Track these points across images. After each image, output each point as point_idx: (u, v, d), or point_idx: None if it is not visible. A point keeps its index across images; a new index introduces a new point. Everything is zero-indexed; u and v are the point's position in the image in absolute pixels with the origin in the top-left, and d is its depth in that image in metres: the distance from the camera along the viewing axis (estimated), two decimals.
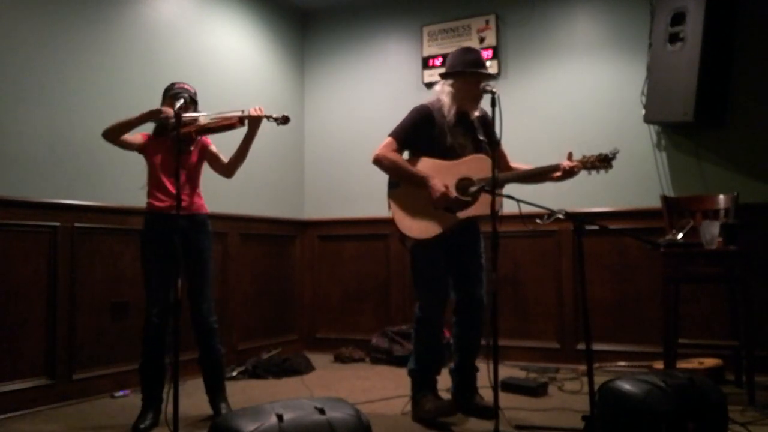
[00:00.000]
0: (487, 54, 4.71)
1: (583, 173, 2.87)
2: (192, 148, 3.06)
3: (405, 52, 5.08)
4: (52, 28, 3.44)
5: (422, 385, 3.00)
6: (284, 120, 2.99)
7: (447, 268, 3.03)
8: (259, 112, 2.97)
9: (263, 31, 5.01)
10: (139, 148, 3.03)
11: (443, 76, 3.03)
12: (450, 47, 4.85)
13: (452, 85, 2.98)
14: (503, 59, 4.70)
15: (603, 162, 2.78)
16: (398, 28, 5.13)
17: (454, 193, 2.88)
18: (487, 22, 4.75)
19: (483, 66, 2.98)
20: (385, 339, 4.59)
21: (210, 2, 4.50)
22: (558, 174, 2.88)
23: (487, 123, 3.09)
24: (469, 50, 3.03)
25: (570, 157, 2.87)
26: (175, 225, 2.81)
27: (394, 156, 2.95)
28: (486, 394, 2.99)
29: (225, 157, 3.13)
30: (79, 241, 3.47)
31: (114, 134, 2.92)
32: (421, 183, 2.89)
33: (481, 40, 4.75)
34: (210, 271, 3.10)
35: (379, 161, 2.97)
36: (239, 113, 2.97)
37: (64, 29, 3.50)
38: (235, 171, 3.13)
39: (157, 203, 3.00)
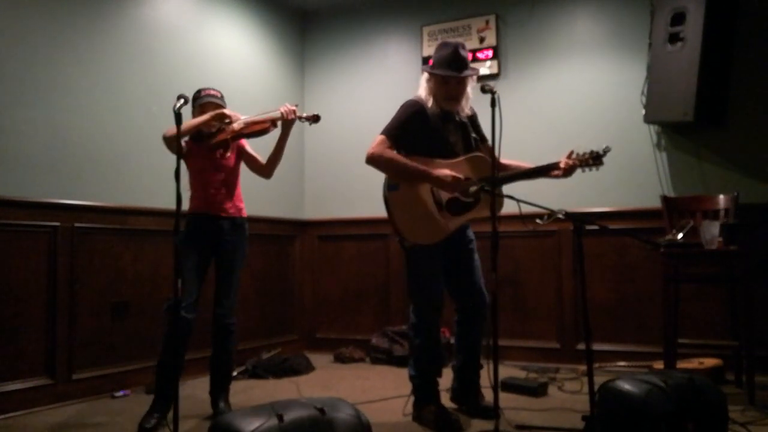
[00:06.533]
0: (487, 54, 4.71)
1: (578, 171, 2.87)
2: (229, 154, 3.14)
3: (405, 52, 5.08)
4: (51, 27, 3.44)
5: (424, 392, 2.97)
6: (315, 119, 3.10)
7: (443, 271, 2.99)
8: (291, 115, 3.02)
9: (263, 31, 5.01)
10: (183, 153, 3.02)
11: (429, 73, 2.94)
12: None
13: (428, 82, 2.94)
14: (503, 59, 4.70)
15: (595, 159, 2.79)
16: (398, 28, 5.13)
17: (461, 176, 2.82)
18: (487, 22, 4.75)
19: (459, 64, 2.84)
20: (385, 339, 4.60)
21: (210, 3, 4.50)
22: (557, 173, 2.88)
23: (475, 121, 3.10)
24: (444, 45, 2.91)
25: (570, 155, 2.87)
26: (214, 225, 3.05)
27: (389, 153, 2.83)
28: (486, 394, 2.99)
29: (262, 159, 3.20)
30: (79, 241, 3.47)
31: (182, 135, 2.84)
32: (423, 177, 2.81)
33: (481, 40, 4.75)
34: (238, 275, 3.16)
35: (374, 160, 2.84)
36: (271, 115, 3.04)
37: (63, 29, 3.50)
38: (272, 172, 3.22)
39: (195, 202, 3.10)
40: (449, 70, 2.85)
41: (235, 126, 3.03)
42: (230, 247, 3.12)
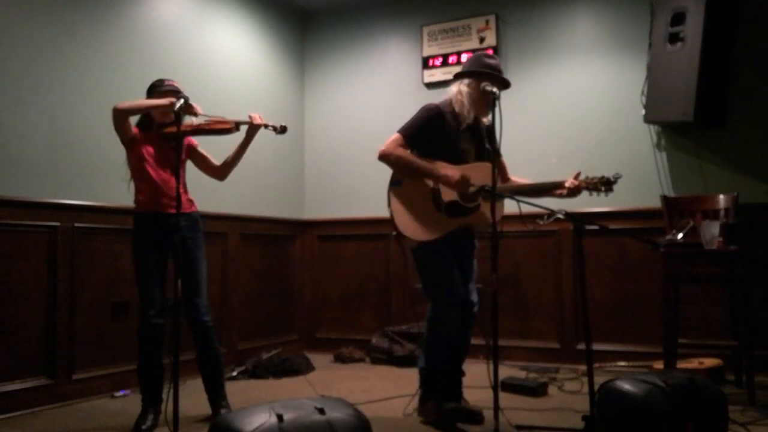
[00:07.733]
0: None
1: (585, 193, 2.85)
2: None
3: (405, 52, 5.08)
4: (52, 28, 3.44)
5: (430, 386, 2.95)
6: (282, 130, 3.01)
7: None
8: (259, 120, 2.97)
9: (263, 31, 5.01)
10: (129, 139, 2.94)
11: (463, 75, 2.95)
12: (450, 47, 4.87)
13: (469, 85, 2.92)
14: (503, 59, 4.69)
15: (605, 185, 2.77)
16: (398, 28, 5.13)
17: (469, 177, 2.82)
18: (487, 22, 4.75)
19: (502, 73, 2.97)
20: (385, 339, 4.59)
21: (210, 3, 4.50)
22: (561, 192, 2.86)
23: (492, 132, 3.09)
24: (489, 56, 3.06)
25: (576, 176, 2.84)
26: (166, 223, 2.84)
27: (401, 151, 2.88)
28: (486, 394, 2.98)
29: (216, 160, 3.11)
30: (79, 241, 3.47)
31: (128, 112, 2.86)
32: (430, 173, 2.84)
33: (481, 40, 4.75)
34: (204, 270, 3.05)
35: (386, 157, 2.89)
36: (237, 118, 2.97)
37: (64, 30, 3.50)
38: (228, 174, 3.13)
39: (143, 198, 2.94)
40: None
41: (195, 121, 2.94)
42: (190, 244, 2.97)
